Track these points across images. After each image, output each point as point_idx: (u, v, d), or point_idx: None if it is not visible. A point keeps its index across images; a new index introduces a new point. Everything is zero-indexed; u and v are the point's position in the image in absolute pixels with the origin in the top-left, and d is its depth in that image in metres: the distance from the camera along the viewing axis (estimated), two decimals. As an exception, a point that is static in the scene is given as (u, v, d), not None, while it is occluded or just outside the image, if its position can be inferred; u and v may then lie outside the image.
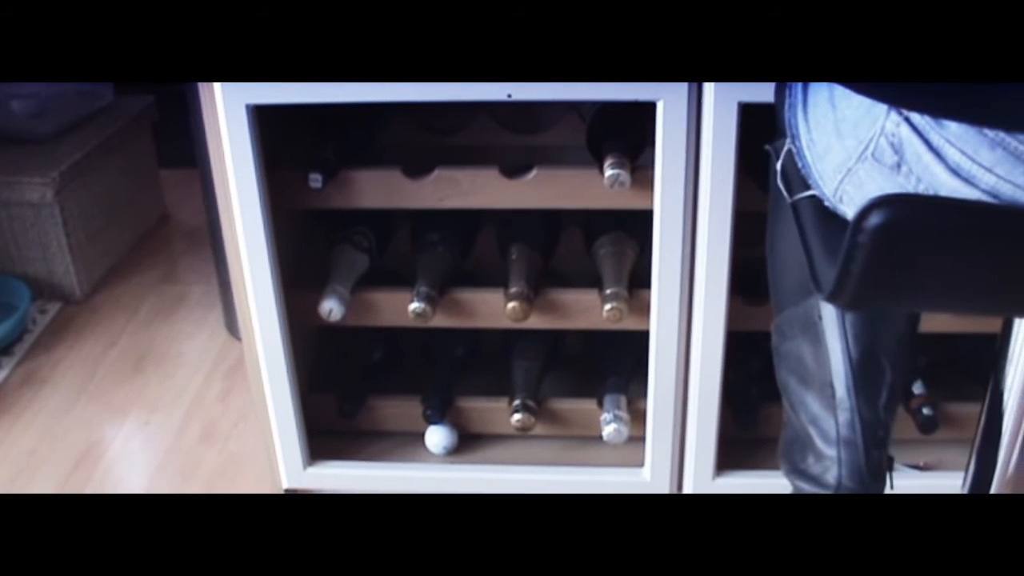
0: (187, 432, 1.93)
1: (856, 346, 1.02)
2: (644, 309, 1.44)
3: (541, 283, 1.52)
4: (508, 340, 1.67)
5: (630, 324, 1.46)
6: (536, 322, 1.50)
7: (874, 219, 0.70)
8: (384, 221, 1.65)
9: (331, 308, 1.48)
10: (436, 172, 1.42)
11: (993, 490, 1.04)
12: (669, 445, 1.50)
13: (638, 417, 1.53)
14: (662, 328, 1.42)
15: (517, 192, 1.42)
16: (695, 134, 1.30)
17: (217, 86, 1.31)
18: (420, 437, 1.61)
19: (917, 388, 1.58)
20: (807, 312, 1.05)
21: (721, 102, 1.26)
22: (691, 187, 1.33)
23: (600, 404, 1.56)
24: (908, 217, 0.70)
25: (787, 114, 0.90)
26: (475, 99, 1.32)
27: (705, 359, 1.43)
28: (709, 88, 1.26)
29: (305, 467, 1.58)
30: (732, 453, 1.54)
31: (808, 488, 1.07)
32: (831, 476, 1.04)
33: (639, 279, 1.47)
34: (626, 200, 1.39)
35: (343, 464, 1.60)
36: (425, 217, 1.59)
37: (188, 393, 2.03)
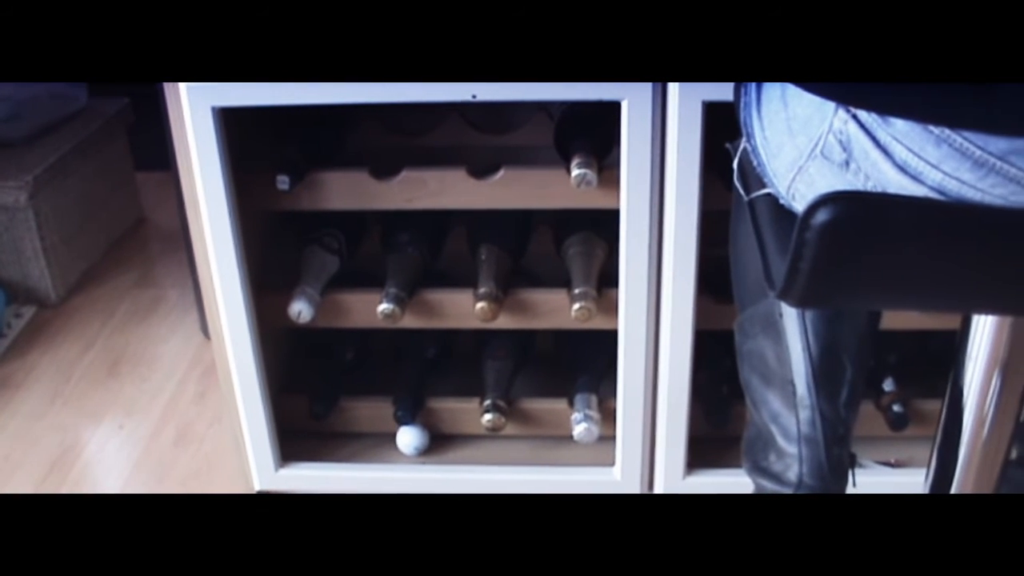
0: (162, 434, 1.92)
1: (816, 344, 1.02)
2: (613, 308, 1.44)
3: (511, 283, 1.52)
4: (480, 340, 1.67)
5: (599, 323, 1.46)
6: (505, 322, 1.50)
7: (820, 216, 0.70)
8: (355, 222, 1.65)
9: (300, 310, 1.48)
10: (403, 173, 1.43)
11: (954, 488, 1.04)
12: (639, 444, 1.51)
13: (609, 416, 1.53)
14: (630, 327, 1.42)
15: (485, 192, 1.42)
16: (660, 133, 1.30)
17: (183, 88, 1.31)
18: (392, 438, 1.61)
19: (888, 385, 1.58)
20: (768, 310, 1.05)
21: (685, 101, 1.27)
22: (657, 186, 1.33)
23: (571, 404, 1.57)
24: (854, 214, 0.70)
25: (743, 113, 0.90)
26: (440, 100, 1.32)
27: (674, 358, 1.43)
28: (673, 87, 1.26)
29: (277, 468, 1.58)
30: (704, 451, 1.54)
31: (769, 486, 1.07)
32: (792, 473, 1.05)
33: (609, 278, 1.47)
34: (593, 200, 1.39)
35: (315, 465, 1.60)
36: (396, 218, 1.59)
37: (163, 396, 2.02)
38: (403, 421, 1.58)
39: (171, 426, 1.94)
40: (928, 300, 0.80)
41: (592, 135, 1.42)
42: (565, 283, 1.52)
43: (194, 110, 1.33)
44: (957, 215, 0.70)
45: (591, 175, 1.35)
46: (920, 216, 0.70)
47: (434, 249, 1.60)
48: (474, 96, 1.29)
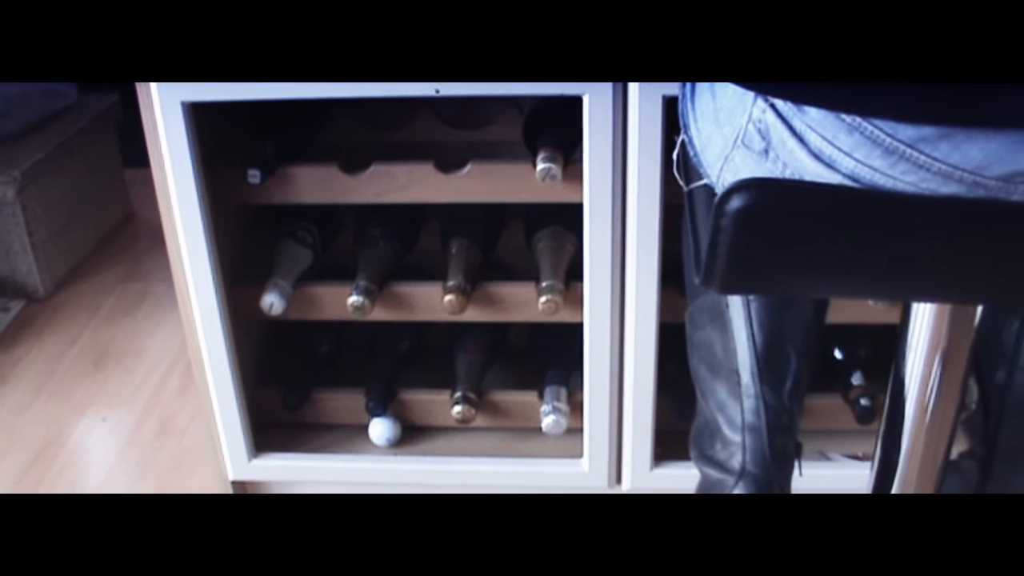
0: (144, 427, 1.95)
1: (761, 334, 1.04)
2: (580, 302, 1.46)
3: (482, 276, 1.54)
4: (453, 334, 1.69)
5: (566, 316, 1.48)
6: (474, 315, 1.52)
7: (734, 203, 0.72)
8: (330, 217, 1.67)
9: (272, 302, 1.50)
10: (373, 167, 1.44)
11: (897, 479, 1.06)
12: (606, 436, 1.52)
13: (578, 409, 1.55)
14: (595, 320, 1.44)
15: (453, 186, 1.44)
16: (622, 127, 1.32)
17: (153, 83, 1.33)
18: (364, 429, 1.63)
19: (856, 379, 1.60)
20: (715, 301, 1.07)
21: (646, 96, 1.28)
22: (619, 180, 1.35)
23: (541, 396, 1.58)
24: (766, 201, 0.72)
25: (680, 105, 0.92)
26: (403, 95, 1.34)
27: (639, 351, 1.45)
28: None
29: (250, 459, 1.60)
30: (672, 444, 1.55)
31: (714, 474, 1.09)
32: (736, 462, 1.06)
33: (578, 272, 1.48)
34: (558, 194, 1.41)
35: (288, 456, 1.62)
36: (369, 212, 1.61)
37: (147, 389, 2.05)
38: (375, 413, 1.60)
39: (153, 419, 1.97)
40: (848, 287, 0.81)
41: (559, 130, 1.44)
42: (537, 277, 1.53)
43: (165, 105, 1.35)
44: (869, 202, 0.72)
45: (556, 169, 1.37)
46: (832, 203, 0.72)
47: (407, 243, 1.62)
48: (437, 91, 1.31)
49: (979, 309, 0.96)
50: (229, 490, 1.65)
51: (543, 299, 1.46)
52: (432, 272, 1.57)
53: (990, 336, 1.14)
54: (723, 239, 0.73)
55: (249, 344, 1.61)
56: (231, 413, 1.56)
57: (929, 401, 1.01)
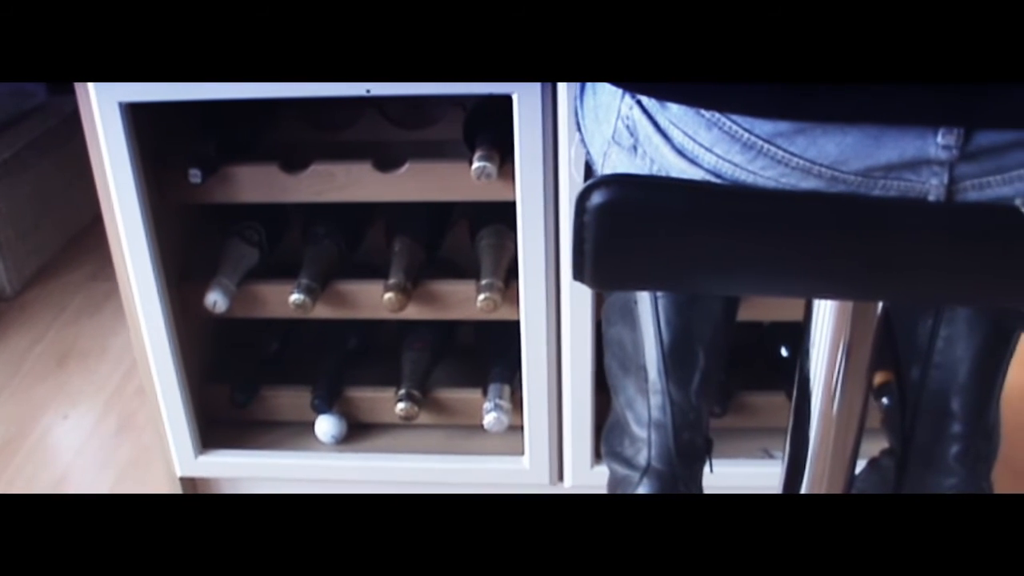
0: (104, 424, 1.96)
1: (668, 331, 1.04)
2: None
3: (426, 275, 1.55)
4: (402, 332, 1.70)
5: (505, 314, 1.49)
6: (416, 313, 1.53)
7: (594, 199, 0.73)
8: (279, 216, 1.68)
9: (215, 300, 1.51)
10: (312, 167, 1.45)
11: (806, 476, 1.06)
12: (546, 434, 1.53)
13: (521, 406, 1.56)
14: (531, 318, 1.45)
15: (391, 185, 1.45)
16: (552, 125, 1.32)
17: (90, 84, 1.34)
18: (312, 427, 1.64)
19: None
20: (625, 298, 1.08)
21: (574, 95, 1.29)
22: (551, 178, 1.36)
23: (485, 394, 1.59)
24: (625, 197, 0.72)
25: (574, 103, 0.93)
26: (339, 95, 1.34)
27: (575, 348, 1.45)
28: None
29: (196, 456, 1.61)
30: (615, 441, 1.56)
31: (621, 470, 1.10)
32: (642, 458, 1.07)
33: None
34: (494, 192, 1.42)
35: (235, 453, 1.63)
36: (317, 211, 1.62)
37: (109, 387, 2.06)
38: (320, 410, 1.61)
39: (113, 416, 1.98)
40: (721, 283, 0.81)
41: (498, 129, 1.44)
42: (478, 275, 1.54)
43: (102, 105, 1.36)
44: (729, 197, 0.72)
45: (491, 168, 1.38)
46: (692, 198, 0.73)
47: (352, 241, 1.63)
48: (368, 91, 1.32)
49: (879, 305, 0.97)
50: (178, 486, 1.66)
51: (481, 297, 1.47)
52: (380, 271, 1.58)
53: (905, 334, 1.14)
54: (587, 235, 0.74)
55: (197, 342, 1.62)
56: (176, 409, 1.57)
57: (834, 396, 1.02)
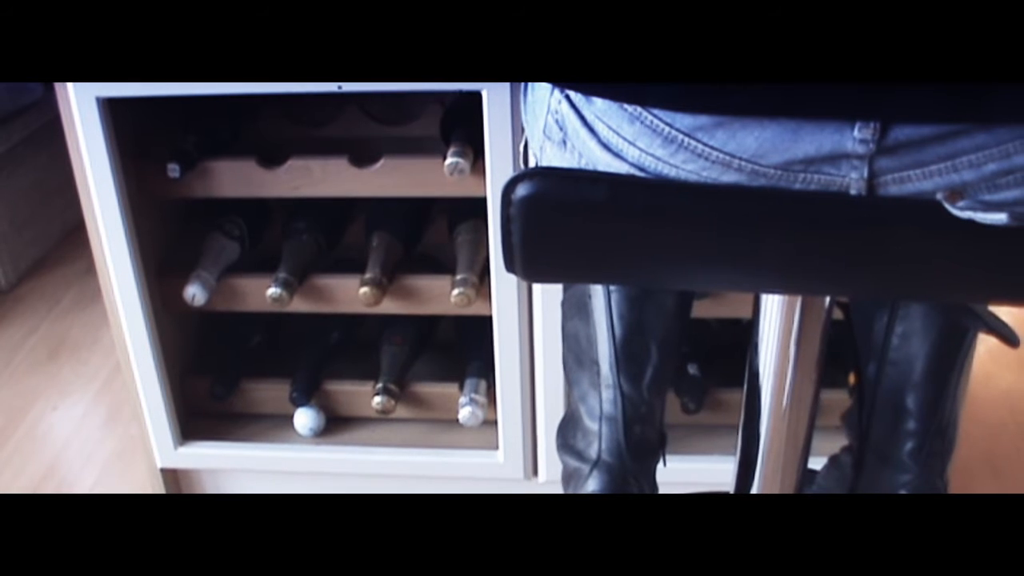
0: (92, 416, 1.99)
1: (621, 325, 1.05)
2: (493, 295, 1.48)
3: (403, 269, 1.56)
4: (382, 327, 1.71)
5: (480, 309, 1.50)
6: (392, 307, 1.54)
7: (519, 191, 0.74)
8: (262, 210, 1.69)
9: (195, 293, 1.53)
10: (289, 162, 1.47)
11: (757, 471, 1.07)
12: (519, 428, 1.54)
13: (495, 401, 1.57)
14: (503, 313, 1.46)
15: (367, 181, 1.47)
16: (520, 122, 1.33)
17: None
18: (291, 419, 1.66)
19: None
20: (581, 292, 1.09)
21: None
22: (521, 175, 1.36)
23: (461, 388, 1.60)
24: (547, 190, 0.73)
25: (521, 100, 0.94)
26: (311, 91, 1.36)
27: (547, 343, 1.46)
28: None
29: (176, 447, 1.63)
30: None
31: (573, 463, 1.11)
32: (592, 451, 1.08)
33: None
34: (468, 188, 1.43)
35: (215, 444, 1.65)
36: (297, 206, 1.64)
37: (98, 379, 2.09)
38: (298, 403, 1.63)
39: (102, 408, 2.01)
40: (645, 276, 0.82)
41: (474, 126, 1.45)
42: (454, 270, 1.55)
43: (80, 101, 1.38)
44: (651, 190, 0.73)
45: (463, 164, 1.39)
46: (615, 192, 0.73)
47: (332, 236, 1.64)
48: (340, 87, 1.33)
49: (827, 299, 0.97)
50: (159, 478, 1.68)
51: (455, 292, 1.49)
52: (359, 266, 1.59)
53: (862, 331, 1.15)
54: (513, 227, 0.75)
55: (179, 335, 1.64)
56: (157, 402, 1.59)
57: (784, 391, 1.02)
